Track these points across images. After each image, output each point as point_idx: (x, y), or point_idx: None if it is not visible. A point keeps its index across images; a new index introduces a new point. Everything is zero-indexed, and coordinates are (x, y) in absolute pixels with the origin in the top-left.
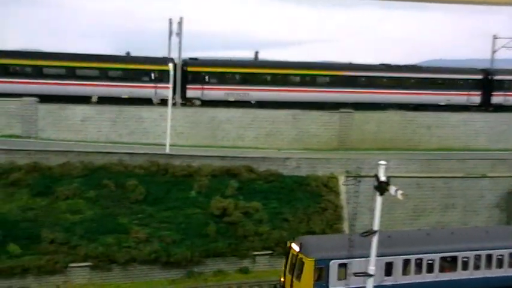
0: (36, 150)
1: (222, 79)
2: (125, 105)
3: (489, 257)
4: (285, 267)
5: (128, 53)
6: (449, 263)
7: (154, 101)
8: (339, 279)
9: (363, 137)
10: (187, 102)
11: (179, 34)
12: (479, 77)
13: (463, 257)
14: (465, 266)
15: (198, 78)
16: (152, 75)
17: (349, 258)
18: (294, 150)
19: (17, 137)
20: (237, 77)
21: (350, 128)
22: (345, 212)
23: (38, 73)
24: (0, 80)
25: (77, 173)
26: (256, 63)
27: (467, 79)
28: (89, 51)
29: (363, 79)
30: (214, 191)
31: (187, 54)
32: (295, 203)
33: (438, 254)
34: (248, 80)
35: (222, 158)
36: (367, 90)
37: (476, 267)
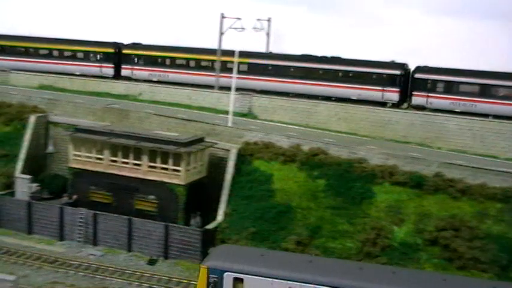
0: None
1: (147, 61)
2: None
3: None
4: None
5: None
6: None
7: None
8: None
9: None
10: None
11: None
12: (397, 72)
13: None
14: None
15: (129, 60)
16: None
17: (247, 274)
18: None
19: None
20: (159, 60)
21: None
22: None
23: None
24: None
25: None
26: (175, 48)
27: (382, 73)
28: None
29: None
30: None
31: None
32: None
33: None
34: (167, 63)
35: None
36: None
37: None
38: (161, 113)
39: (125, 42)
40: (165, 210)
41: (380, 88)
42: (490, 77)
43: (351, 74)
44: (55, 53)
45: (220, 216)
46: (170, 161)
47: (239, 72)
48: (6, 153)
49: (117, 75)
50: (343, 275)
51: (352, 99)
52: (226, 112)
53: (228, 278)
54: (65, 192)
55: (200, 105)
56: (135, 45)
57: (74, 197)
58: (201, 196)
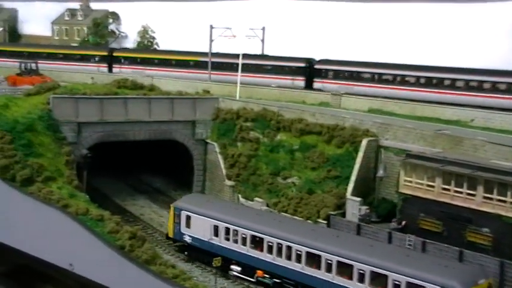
0: None
1: (130, 61)
2: None
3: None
4: None
5: None
6: (257, 243)
7: None
8: (186, 226)
9: None
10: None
11: None
12: (303, 64)
13: (268, 241)
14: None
15: (118, 61)
16: None
17: (192, 212)
18: None
19: None
20: (138, 60)
21: None
22: None
23: None
24: None
25: None
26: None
27: (292, 66)
28: None
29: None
30: None
31: None
32: None
33: (250, 231)
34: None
35: None
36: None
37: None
38: (497, 141)
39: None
40: (501, 245)
41: (293, 77)
42: (362, 66)
43: (270, 67)
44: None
45: None
46: (509, 193)
47: None
48: (338, 174)
49: (110, 71)
50: (248, 218)
51: None
52: None
53: (183, 215)
54: (392, 217)
55: None
56: (124, 49)
57: (403, 222)
58: None
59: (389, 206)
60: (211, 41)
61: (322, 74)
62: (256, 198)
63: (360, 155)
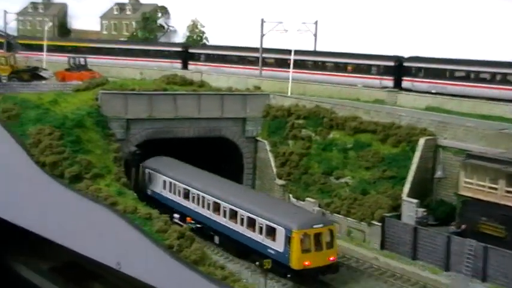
0: None
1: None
2: None
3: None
4: None
5: None
6: (186, 194)
7: None
8: (148, 181)
9: None
10: None
11: None
12: (179, 49)
13: (192, 193)
14: (193, 200)
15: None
16: None
17: (152, 170)
18: None
19: None
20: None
21: None
22: None
23: None
24: None
25: None
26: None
27: (171, 51)
28: None
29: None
30: None
31: None
32: None
33: (182, 185)
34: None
35: None
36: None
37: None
38: None
39: None
40: None
41: (172, 60)
42: (225, 50)
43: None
44: None
45: None
46: None
47: None
48: (394, 174)
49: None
50: (184, 175)
51: None
52: None
53: (146, 171)
54: (450, 220)
55: None
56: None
57: (462, 226)
58: None
59: (448, 209)
60: (262, 35)
61: (195, 57)
62: (308, 198)
63: (417, 154)
